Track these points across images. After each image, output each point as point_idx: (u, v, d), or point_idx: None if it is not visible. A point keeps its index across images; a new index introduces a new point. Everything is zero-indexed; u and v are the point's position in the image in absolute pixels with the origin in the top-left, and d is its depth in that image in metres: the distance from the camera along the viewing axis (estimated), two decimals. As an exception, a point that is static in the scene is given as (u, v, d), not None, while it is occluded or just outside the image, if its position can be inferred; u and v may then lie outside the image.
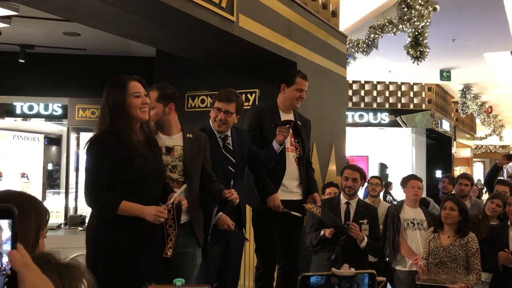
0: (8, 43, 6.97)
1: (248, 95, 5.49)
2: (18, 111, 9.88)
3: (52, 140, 17.72)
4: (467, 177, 5.24)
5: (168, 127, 2.81)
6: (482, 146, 23.56)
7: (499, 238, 3.84)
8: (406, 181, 4.45)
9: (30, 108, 9.87)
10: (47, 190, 15.63)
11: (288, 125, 3.31)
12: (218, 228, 2.93)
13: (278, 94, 3.67)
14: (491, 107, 15.30)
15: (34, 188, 16.56)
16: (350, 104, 12.08)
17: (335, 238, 3.65)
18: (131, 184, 2.36)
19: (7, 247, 0.78)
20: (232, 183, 3.13)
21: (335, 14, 5.68)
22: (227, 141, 3.21)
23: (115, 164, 2.33)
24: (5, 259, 0.78)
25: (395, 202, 6.56)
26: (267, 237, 3.49)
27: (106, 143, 2.33)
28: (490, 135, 18.09)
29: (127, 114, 2.38)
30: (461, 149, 18.28)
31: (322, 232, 3.72)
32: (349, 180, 3.88)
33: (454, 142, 15.49)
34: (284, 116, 3.57)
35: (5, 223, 0.78)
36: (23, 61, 7.31)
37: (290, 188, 3.54)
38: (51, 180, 16.20)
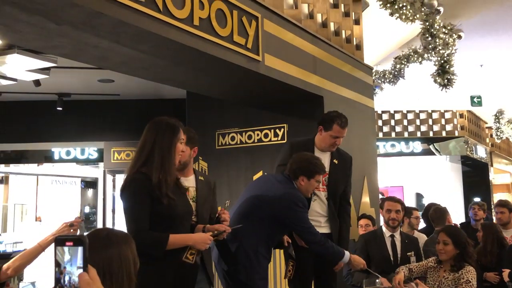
0: (46, 92, 7.33)
1: (277, 130, 5.57)
2: (56, 157, 10.24)
3: (89, 184, 18.18)
4: (502, 204, 5.11)
5: (187, 169, 2.91)
6: (522, 171, 22.79)
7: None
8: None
9: (68, 153, 10.22)
10: (84, 233, 15.97)
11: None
12: None
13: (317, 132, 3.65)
14: (527, 130, 14.89)
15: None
16: (380, 135, 12.02)
17: None
18: (166, 224, 2.40)
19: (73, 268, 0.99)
20: None
21: (359, 47, 5.77)
22: None
23: (154, 203, 2.37)
24: (67, 278, 0.99)
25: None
26: (300, 272, 3.45)
27: (145, 182, 2.37)
28: (529, 159, 17.53)
29: (172, 157, 2.45)
30: (499, 175, 17.73)
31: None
32: (392, 212, 3.87)
33: (491, 168, 15.07)
34: (319, 154, 3.51)
35: (79, 250, 0.99)
36: (61, 108, 7.65)
37: (318, 221, 3.48)
38: (88, 223, 16.53)
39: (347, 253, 3.20)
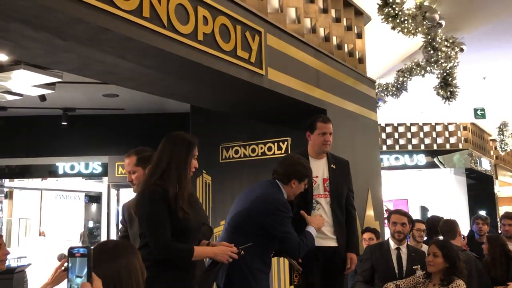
0: (51, 107, 7.39)
1: (281, 143, 5.59)
2: (60, 171, 10.28)
3: (93, 198, 18.21)
4: (510, 216, 5.10)
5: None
6: (527, 183, 22.67)
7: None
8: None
9: (72, 168, 10.26)
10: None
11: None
12: None
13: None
14: (531, 142, 14.86)
15: (76, 244, 16.89)
16: (384, 147, 12.02)
17: None
18: (179, 236, 2.42)
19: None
20: None
21: (361, 60, 5.81)
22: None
23: (170, 216, 2.39)
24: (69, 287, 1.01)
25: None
26: (307, 278, 3.41)
27: (162, 194, 2.39)
28: (534, 171, 17.46)
29: (187, 172, 2.49)
30: (504, 188, 17.65)
31: None
32: (397, 225, 3.87)
33: (496, 181, 15.01)
34: (314, 162, 3.49)
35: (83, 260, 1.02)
36: (65, 123, 7.70)
37: (325, 233, 3.42)
38: (92, 237, 16.50)
39: (308, 226, 3.12)
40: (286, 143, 5.55)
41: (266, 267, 3.00)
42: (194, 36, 3.12)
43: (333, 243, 3.44)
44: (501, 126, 12.25)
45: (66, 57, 2.97)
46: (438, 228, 4.87)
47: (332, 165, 3.58)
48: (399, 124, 12.24)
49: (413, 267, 3.75)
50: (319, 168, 3.51)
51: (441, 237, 5.43)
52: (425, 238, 5.01)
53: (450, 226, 4.70)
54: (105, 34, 2.64)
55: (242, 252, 2.64)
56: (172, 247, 2.38)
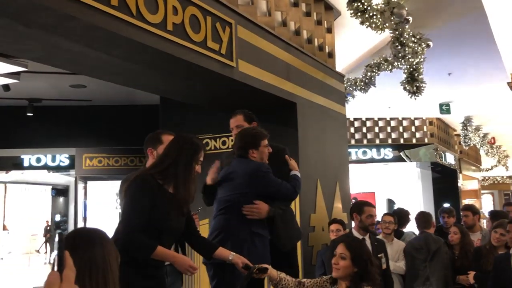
0: (16, 97, 7.20)
1: (251, 136, 5.60)
2: (25, 164, 10.03)
3: (59, 191, 17.83)
4: (467, 207, 5.34)
5: None
6: (489, 177, 23.45)
7: (502, 268, 3.81)
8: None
9: (38, 160, 10.02)
10: (54, 241, 15.61)
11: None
12: None
13: None
14: (493, 138, 15.37)
15: (40, 240, 16.58)
16: (352, 141, 12.20)
17: None
18: (155, 233, 2.40)
19: None
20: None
21: (331, 55, 5.87)
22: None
23: (152, 209, 2.37)
24: None
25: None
26: None
27: (152, 184, 2.39)
28: (496, 166, 18.05)
29: (191, 176, 2.49)
30: (468, 182, 18.21)
31: None
32: (372, 218, 3.98)
33: (460, 175, 15.46)
34: None
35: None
36: (31, 114, 7.51)
37: None
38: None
39: (292, 172, 3.33)
40: (256, 135, 5.56)
41: (265, 230, 3.13)
42: (163, 26, 3.10)
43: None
44: (465, 122, 12.61)
45: (30, 45, 2.90)
46: (414, 219, 5.07)
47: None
48: (367, 119, 12.43)
49: (378, 255, 3.83)
50: None
51: (405, 230, 5.61)
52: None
53: (426, 217, 4.90)
54: (71, 21, 2.59)
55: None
56: (135, 237, 2.33)
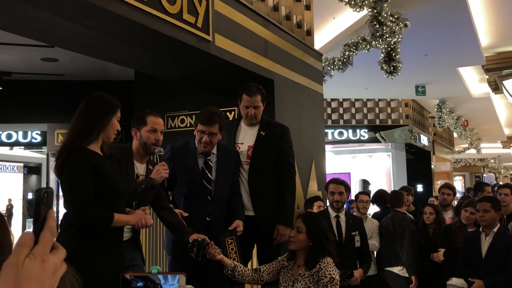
0: (-16, 70, 6.95)
1: (227, 113, 5.55)
2: (-5, 140, 9.73)
3: (32, 169, 17.49)
4: (449, 186, 5.45)
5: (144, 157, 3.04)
6: (461, 160, 23.98)
7: (472, 245, 3.91)
8: None
9: (9, 136, 9.73)
10: (27, 220, 15.34)
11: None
12: None
13: None
14: (467, 120, 15.65)
15: (14, 219, 16.29)
16: (329, 122, 12.26)
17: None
18: (106, 199, 2.33)
19: None
20: (210, 199, 3.17)
21: (309, 33, 5.82)
22: (208, 157, 3.25)
23: (96, 178, 2.29)
24: None
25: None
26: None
27: (88, 155, 2.29)
28: (468, 148, 18.44)
29: (107, 131, 2.40)
30: (440, 163, 18.58)
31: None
32: (335, 195, 3.93)
33: (433, 157, 15.74)
34: (246, 128, 3.55)
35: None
36: (0, 88, 7.28)
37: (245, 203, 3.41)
38: (31, 210, 15.87)
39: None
40: (233, 113, 5.52)
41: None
42: (137, -5, 2.99)
43: (250, 213, 3.41)
44: (440, 104, 12.79)
45: (-3, 12, 2.77)
46: (387, 198, 5.21)
47: (261, 132, 3.51)
48: (344, 100, 12.49)
49: (352, 233, 3.87)
50: (249, 136, 3.51)
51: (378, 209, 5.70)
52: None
53: (398, 196, 5.02)
54: (39, -13, 2.48)
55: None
56: (91, 211, 2.26)
